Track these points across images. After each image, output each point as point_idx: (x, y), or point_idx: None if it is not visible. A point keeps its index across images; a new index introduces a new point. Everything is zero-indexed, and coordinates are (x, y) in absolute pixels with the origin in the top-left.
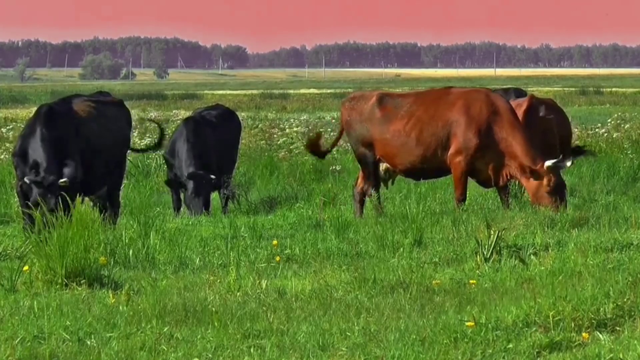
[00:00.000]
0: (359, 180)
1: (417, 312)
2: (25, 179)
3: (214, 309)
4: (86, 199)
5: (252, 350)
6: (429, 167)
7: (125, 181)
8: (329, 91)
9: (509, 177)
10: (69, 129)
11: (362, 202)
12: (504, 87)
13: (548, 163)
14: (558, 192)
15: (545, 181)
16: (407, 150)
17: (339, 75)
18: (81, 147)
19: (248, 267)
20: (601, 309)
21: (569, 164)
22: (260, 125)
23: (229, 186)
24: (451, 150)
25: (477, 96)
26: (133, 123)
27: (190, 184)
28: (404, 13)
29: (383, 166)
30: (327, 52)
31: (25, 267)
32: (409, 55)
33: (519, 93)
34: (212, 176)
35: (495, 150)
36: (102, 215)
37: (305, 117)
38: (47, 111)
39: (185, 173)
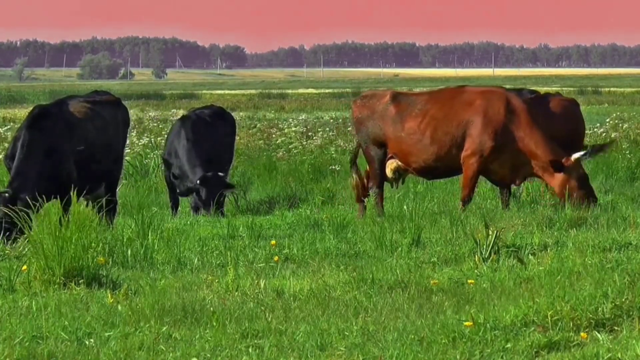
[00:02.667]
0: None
1: (416, 312)
2: None
3: (212, 309)
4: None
5: (250, 350)
6: (442, 166)
7: (124, 181)
8: (327, 91)
9: (527, 177)
10: (61, 131)
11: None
12: (516, 87)
13: (576, 155)
14: (586, 185)
15: (574, 175)
16: (421, 148)
17: (337, 75)
18: (77, 149)
19: (246, 267)
20: (599, 308)
21: (586, 155)
22: (258, 125)
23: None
24: (466, 151)
25: (493, 96)
26: (131, 122)
27: (203, 188)
28: (402, 13)
29: (392, 166)
30: (325, 52)
31: (24, 267)
32: (408, 55)
33: (533, 94)
34: (221, 174)
35: (512, 150)
36: (99, 214)
37: (303, 117)
38: (35, 114)
39: (190, 173)
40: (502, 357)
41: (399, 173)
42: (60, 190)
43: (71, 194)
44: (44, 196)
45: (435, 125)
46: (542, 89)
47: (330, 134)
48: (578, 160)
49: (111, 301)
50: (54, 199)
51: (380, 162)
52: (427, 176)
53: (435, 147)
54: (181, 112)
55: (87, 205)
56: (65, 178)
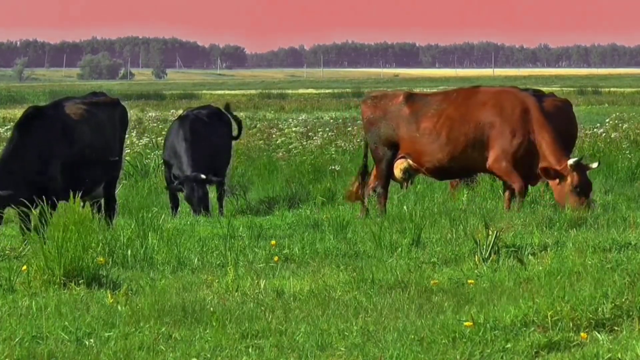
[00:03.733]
0: (372, 179)
1: (416, 312)
2: None
3: (212, 309)
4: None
5: (250, 350)
6: (456, 166)
7: (124, 181)
8: (327, 91)
9: (540, 176)
10: (52, 132)
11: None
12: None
13: (570, 161)
14: (583, 192)
15: (568, 181)
16: (436, 148)
17: (337, 75)
18: (73, 150)
19: (246, 267)
20: (599, 309)
21: (594, 165)
22: (258, 125)
23: (224, 185)
24: (491, 158)
25: (508, 96)
26: (131, 123)
27: (185, 188)
28: (402, 13)
29: (402, 166)
30: (325, 52)
31: (24, 267)
32: (407, 55)
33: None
34: (203, 176)
35: (527, 150)
36: (98, 215)
37: (303, 117)
38: (28, 114)
39: (188, 173)
40: (502, 357)
41: (409, 173)
42: (41, 193)
43: (54, 197)
44: (22, 197)
45: (450, 126)
46: (542, 89)
47: (330, 134)
48: (575, 166)
49: (111, 301)
50: (36, 200)
51: (389, 162)
52: (440, 176)
53: (451, 147)
54: (181, 113)
55: (83, 206)
56: (46, 181)
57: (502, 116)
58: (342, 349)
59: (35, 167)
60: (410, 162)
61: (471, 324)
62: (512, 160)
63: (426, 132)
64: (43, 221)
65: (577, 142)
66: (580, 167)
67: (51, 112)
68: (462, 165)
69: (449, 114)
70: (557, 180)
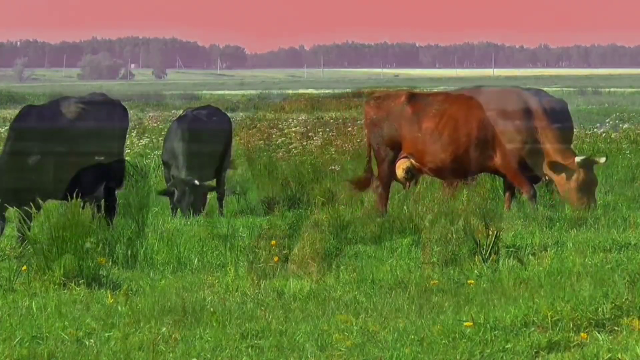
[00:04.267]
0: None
1: (416, 312)
2: None
3: (212, 309)
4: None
5: (250, 350)
6: (459, 166)
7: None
8: (327, 91)
9: (545, 174)
10: (49, 131)
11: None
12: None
13: (578, 159)
14: (588, 189)
15: (574, 177)
16: (438, 148)
17: (337, 75)
18: (70, 150)
19: (246, 267)
20: (599, 309)
21: (602, 160)
22: (258, 125)
23: (224, 185)
24: (499, 160)
25: (511, 96)
26: (131, 123)
27: (177, 190)
28: (402, 13)
29: (405, 165)
30: (325, 52)
31: (24, 267)
32: (407, 55)
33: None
34: (197, 182)
35: (532, 149)
36: (98, 215)
37: (303, 117)
38: (22, 114)
39: (183, 173)
40: (502, 358)
41: (412, 173)
42: (37, 193)
43: (38, 199)
44: (19, 197)
45: (453, 126)
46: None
47: (330, 134)
48: (583, 163)
49: (111, 301)
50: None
51: (390, 163)
52: (442, 176)
53: (453, 147)
54: (181, 113)
55: (83, 206)
56: (43, 181)
57: (504, 116)
58: (343, 349)
59: (32, 167)
60: (413, 162)
61: (471, 324)
62: (518, 159)
63: (428, 132)
64: (28, 221)
65: (577, 142)
66: (587, 163)
67: (47, 112)
68: (464, 165)
69: (451, 113)
70: (563, 176)
